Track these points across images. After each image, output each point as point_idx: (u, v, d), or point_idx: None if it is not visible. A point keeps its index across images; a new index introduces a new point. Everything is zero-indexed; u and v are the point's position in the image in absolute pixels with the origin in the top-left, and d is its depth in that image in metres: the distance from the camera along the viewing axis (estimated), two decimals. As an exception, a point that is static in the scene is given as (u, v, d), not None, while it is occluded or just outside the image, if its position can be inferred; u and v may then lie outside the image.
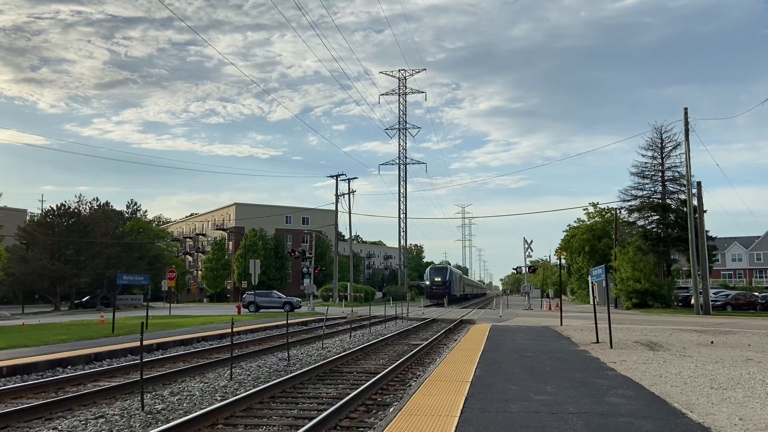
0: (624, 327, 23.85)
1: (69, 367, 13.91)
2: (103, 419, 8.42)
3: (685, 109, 41.38)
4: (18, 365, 12.82)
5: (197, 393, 10.59)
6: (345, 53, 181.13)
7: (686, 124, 41.30)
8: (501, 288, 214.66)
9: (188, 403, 9.77)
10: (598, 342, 17.08)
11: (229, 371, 12.59)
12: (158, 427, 7.79)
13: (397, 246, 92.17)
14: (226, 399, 9.81)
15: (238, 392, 10.58)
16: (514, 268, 59.24)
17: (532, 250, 49.10)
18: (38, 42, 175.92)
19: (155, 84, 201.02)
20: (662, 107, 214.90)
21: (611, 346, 15.75)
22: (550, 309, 47.26)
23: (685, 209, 46.02)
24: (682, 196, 49.93)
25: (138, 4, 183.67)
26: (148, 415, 8.75)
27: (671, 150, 53.23)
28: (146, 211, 78.93)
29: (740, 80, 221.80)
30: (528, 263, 51.77)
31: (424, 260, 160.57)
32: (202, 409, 8.98)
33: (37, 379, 12.06)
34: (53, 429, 7.93)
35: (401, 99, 74.86)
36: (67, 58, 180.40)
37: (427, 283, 73.96)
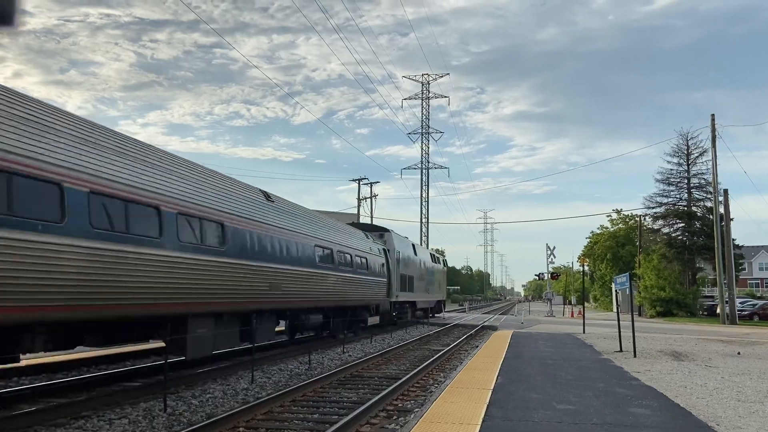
0: (648, 336, 23.52)
1: (93, 366, 14.08)
2: (127, 420, 8.52)
3: (712, 115, 40.92)
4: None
5: (219, 395, 10.67)
6: (369, 57, 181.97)
7: (713, 130, 40.73)
8: (523, 294, 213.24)
9: (210, 405, 9.85)
10: (621, 351, 16.87)
11: (251, 374, 12.67)
12: (180, 429, 7.86)
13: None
14: (247, 402, 9.87)
15: (260, 396, 10.65)
16: (536, 274, 58.73)
17: (554, 257, 48.54)
18: (67, 44, 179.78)
19: (180, 86, 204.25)
20: (690, 112, 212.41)
21: (635, 355, 15.54)
22: (572, 316, 46.79)
23: (711, 217, 45.35)
24: (708, 204, 49.24)
25: (165, 6, 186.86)
26: (171, 417, 8.84)
27: (697, 157, 52.61)
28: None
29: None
30: (550, 269, 51.29)
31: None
32: (224, 412, 9.05)
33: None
34: (78, 429, 8.04)
35: (424, 103, 74.98)
36: (95, 60, 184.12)
37: None
